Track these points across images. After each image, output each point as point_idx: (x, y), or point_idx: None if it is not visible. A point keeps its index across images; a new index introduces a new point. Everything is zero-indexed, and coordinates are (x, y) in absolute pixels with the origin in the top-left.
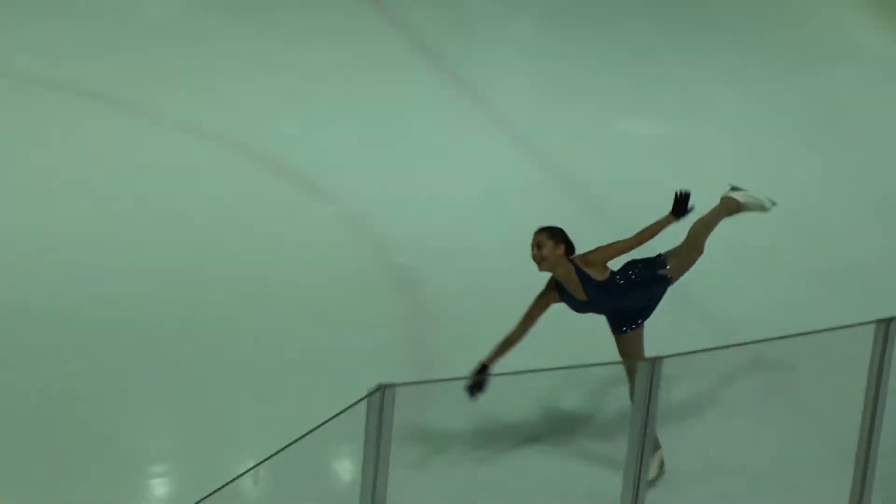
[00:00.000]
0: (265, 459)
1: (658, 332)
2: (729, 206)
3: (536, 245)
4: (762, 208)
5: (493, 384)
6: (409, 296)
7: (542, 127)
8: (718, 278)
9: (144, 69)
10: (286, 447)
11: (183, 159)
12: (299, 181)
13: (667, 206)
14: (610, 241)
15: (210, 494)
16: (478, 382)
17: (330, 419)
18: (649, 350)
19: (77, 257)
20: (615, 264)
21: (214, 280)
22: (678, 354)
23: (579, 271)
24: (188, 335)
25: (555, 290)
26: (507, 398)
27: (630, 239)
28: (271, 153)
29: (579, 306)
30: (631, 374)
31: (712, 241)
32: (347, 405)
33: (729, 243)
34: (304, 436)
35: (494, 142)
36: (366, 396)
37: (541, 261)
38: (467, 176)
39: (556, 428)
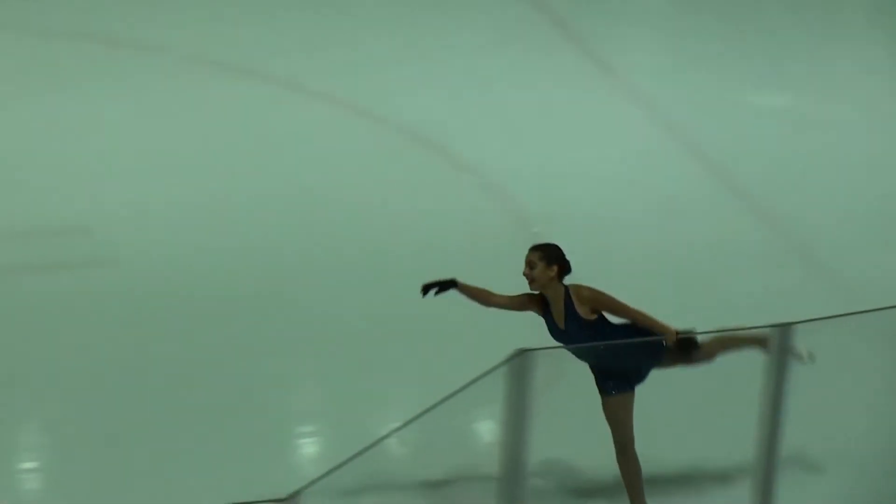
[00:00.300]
0: (409, 421)
1: (784, 296)
2: (767, 341)
3: (528, 264)
4: (798, 358)
5: None
6: None
7: (675, 99)
8: (846, 242)
9: (285, 40)
10: (429, 409)
11: (328, 131)
12: (440, 152)
13: (792, 177)
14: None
15: (355, 455)
16: (439, 288)
17: (471, 382)
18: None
19: (224, 227)
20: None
21: (359, 247)
22: (807, 321)
23: (568, 300)
24: (333, 300)
25: (540, 304)
26: None
27: (631, 309)
28: (413, 125)
29: (557, 333)
30: (616, 443)
31: (841, 206)
32: (488, 369)
33: (856, 209)
34: (446, 398)
35: (627, 114)
36: (506, 361)
37: (531, 281)
38: (602, 147)
39: None
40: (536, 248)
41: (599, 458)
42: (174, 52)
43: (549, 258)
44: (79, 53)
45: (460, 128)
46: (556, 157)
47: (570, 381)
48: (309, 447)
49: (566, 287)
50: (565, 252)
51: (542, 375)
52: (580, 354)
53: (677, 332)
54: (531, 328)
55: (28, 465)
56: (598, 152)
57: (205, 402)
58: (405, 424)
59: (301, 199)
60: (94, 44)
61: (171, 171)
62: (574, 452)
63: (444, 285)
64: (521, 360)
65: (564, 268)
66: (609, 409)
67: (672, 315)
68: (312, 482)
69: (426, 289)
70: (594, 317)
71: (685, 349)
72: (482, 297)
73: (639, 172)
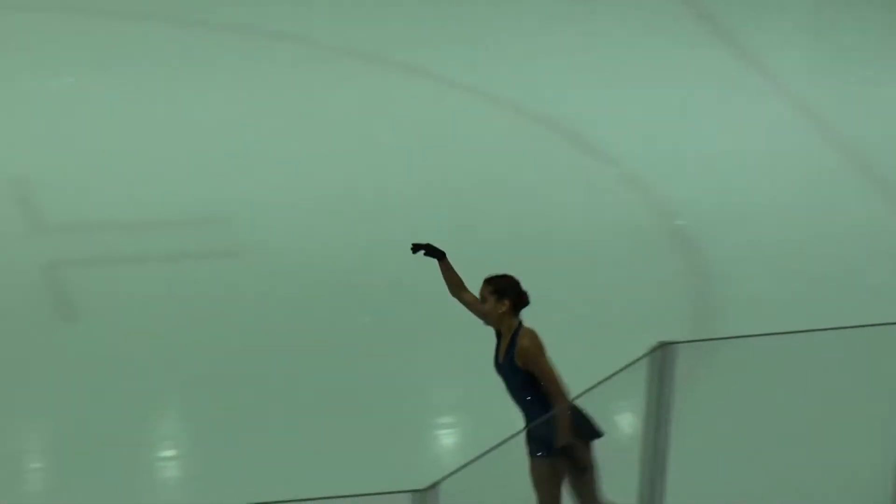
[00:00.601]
0: (549, 414)
1: None
2: None
3: (481, 298)
4: None
5: None
6: (689, 256)
7: (821, 93)
8: None
9: (429, 32)
10: (569, 401)
11: (470, 123)
12: (583, 144)
13: None
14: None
15: (494, 447)
16: (426, 250)
17: (612, 375)
18: None
19: (365, 218)
20: None
21: (498, 239)
22: None
23: (514, 338)
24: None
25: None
26: None
27: (551, 382)
28: (557, 116)
29: (496, 364)
30: None
31: None
32: (629, 361)
33: None
34: (586, 391)
35: (773, 107)
36: (647, 353)
37: (485, 315)
38: (746, 141)
39: None
40: (489, 281)
41: (742, 451)
42: (317, 43)
43: (500, 292)
44: (225, 46)
45: (604, 120)
46: (700, 149)
47: (714, 375)
48: (448, 438)
49: (520, 325)
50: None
51: (685, 369)
52: (505, 383)
53: (565, 445)
54: (681, 321)
55: (168, 453)
56: (742, 146)
57: (344, 391)
58: (545, 417)
59: (443, 191)
60: (238, 35)
61: (310, 162)
62: (716, 447)
63: (431, 251)
64: (662, 353)
65: (518, 302)
66: (533, 472)
67: (813, 309)
68: (451, 473)
69: (416, 248)
70: (524, 370)
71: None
72: (455, 285)
73: (784, 166)
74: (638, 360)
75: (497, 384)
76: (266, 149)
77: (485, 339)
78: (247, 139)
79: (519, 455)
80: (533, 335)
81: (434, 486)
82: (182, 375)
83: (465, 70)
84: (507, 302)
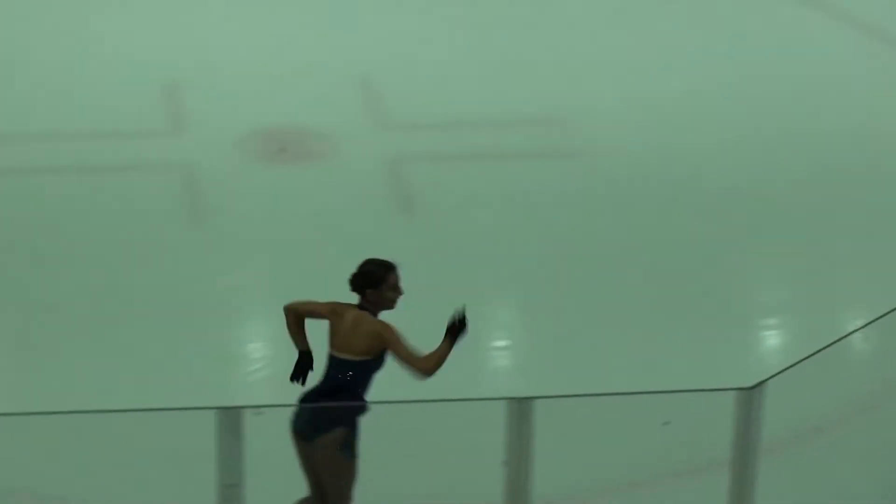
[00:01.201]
0: (873, 320)
1: None
2: None
3: None
4: None
5: None
6: None
7: None
8: None
9: None
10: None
11: (796, 33)
12: None
13: None
14: None
15: (817, 352)
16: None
17: None
18: None
19: (697, 126)
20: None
21: (799, 151)
22: None
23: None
24: (796, 200)
25: None
26: None
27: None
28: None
29: None
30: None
31: None
32: None
33: None
34: (885, 315)
35: None
36: None
37: None
38: None
39: None
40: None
41: None
42: None
43: None
44: None
45: None
46: None
47: None
48: (774, 339)
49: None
50: None
51: None
52: None
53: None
54: None
55: (499, 343)
56: None
57: (671, 291)
58: (868, 323)
59: (769, 102)
60: None
61: (646, 70)
62: None
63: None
64: None
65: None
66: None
67: None
68: (776, 374)
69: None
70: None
71: None
72: None
73: None
74: None
75: (832, 287)
76: (606, 54)
77: (815, 242)
78: (587, 44)
79: (847, 356)
80: None
81: (760, 384)
82: (513, 268)
83: None
84: None
